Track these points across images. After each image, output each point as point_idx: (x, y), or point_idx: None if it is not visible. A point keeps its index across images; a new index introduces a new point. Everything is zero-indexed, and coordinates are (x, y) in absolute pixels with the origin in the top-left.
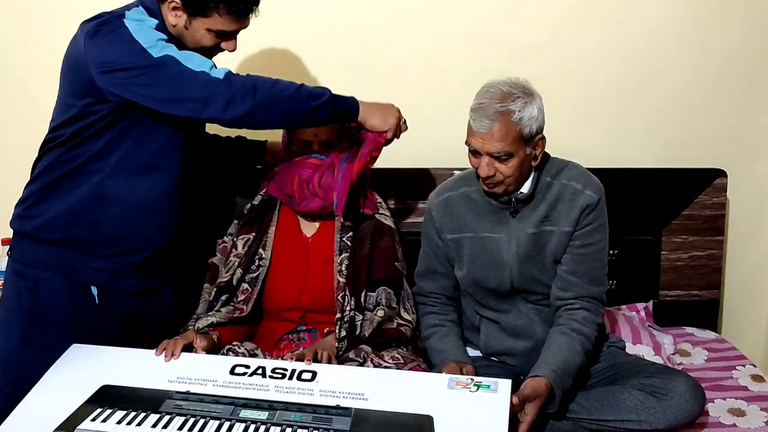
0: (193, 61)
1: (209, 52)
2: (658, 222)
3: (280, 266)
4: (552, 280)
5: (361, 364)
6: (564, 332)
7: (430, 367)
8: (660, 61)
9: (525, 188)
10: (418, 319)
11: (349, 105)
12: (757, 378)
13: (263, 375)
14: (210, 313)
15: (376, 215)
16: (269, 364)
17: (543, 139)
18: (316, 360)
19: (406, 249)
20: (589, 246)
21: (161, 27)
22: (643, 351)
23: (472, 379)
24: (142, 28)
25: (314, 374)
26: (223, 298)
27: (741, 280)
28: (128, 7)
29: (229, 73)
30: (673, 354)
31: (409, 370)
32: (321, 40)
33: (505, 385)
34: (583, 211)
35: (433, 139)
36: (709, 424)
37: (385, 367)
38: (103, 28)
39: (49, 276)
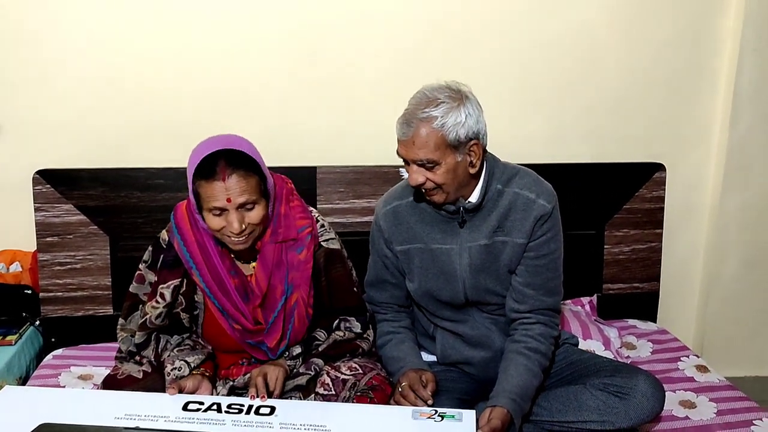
0: None
1: None
2: (600, 216)
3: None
4: (507, 290)
5: (314, 378)
6: (521, 352)
7: (388, 375)
8: (593, 55)
9: (473, 197)
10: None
11: None
12: (701, 368)
13: (218, 411)
14: (186, 350)
15: (322, 243)
16: (224, 400)
17: (477, 144)
18: (270, 394)
19: (351, 250)
20: (545, 257)
21: None
22: (594, 346)
23: (436, 410)
24: None
25: (273, 409)
26: (177, 337)
27: (675, 271)
28: None
29: None
30: (620, 347)
31: (369, 379)
32: (261, 40)
33: (469, 415)
34: (537, 221)
35: (375, 136)
36: (663, 418)
37: (343, 379)
38: None
39: None
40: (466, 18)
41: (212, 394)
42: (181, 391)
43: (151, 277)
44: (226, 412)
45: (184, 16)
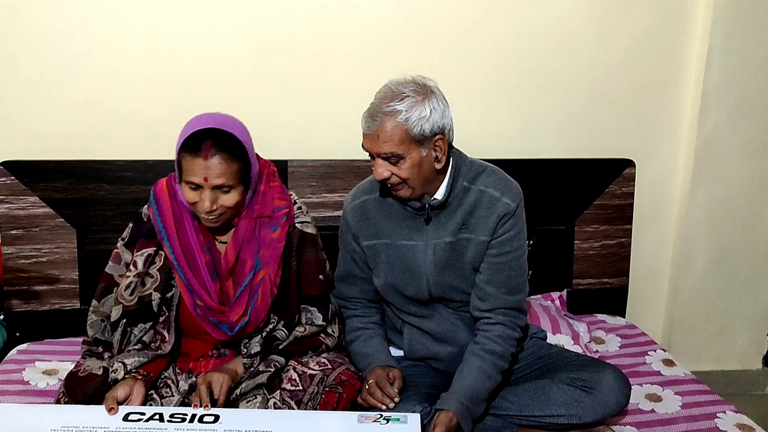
0: None
1: None
2: (571, 212)
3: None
4: (471, 287)
5: (275, 374)
6: (477, 353)
7: (357, 371)
8: (563, 52)
9: (439, 194)
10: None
11: None
12: (668, 362)
13: (161, 420)
14: (133, 351)
15: (297, 225)
16: (166, 411)
17: (443, 139)
18: (214, 402)
19: (323, 244)
20: (507, 255)
21: None
22: (563, 340)
23: (382, 414)
24: None
25: (217, 417)
26: (141, 327)
27: (644, 266)
28: None
29: None
30: (589, 342)
31: (338, 374)
32: (231, 32)
33: (414, 418)
34: (500, 220)
35: (348, 130)
36: (629, 412)
37: (311, 374)
38: None
39: None
40: (436, 14)
41: (146, 399)
42: (120, 403)
43: (128, 256)
44: (169, 421)
45: (153, 8)
